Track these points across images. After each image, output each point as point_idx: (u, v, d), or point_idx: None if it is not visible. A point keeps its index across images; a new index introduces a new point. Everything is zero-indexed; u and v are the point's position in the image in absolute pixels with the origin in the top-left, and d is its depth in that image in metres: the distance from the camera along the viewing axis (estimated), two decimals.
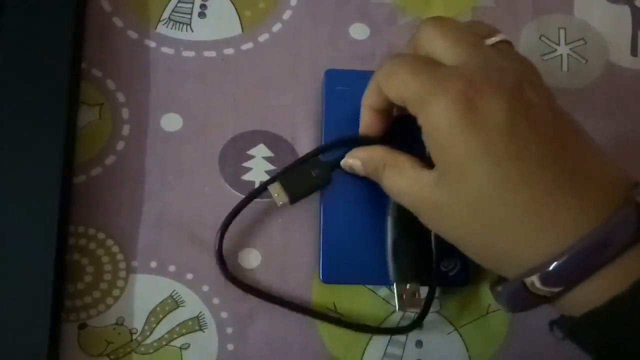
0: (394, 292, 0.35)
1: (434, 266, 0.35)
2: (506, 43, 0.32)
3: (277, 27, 0.41)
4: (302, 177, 0.36)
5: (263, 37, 0.41)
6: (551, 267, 0.26)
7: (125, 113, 0.39)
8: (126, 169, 0.38)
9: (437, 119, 0.28)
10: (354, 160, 0.35)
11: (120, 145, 0.38)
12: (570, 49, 0.42)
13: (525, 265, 0.27)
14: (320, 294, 0.37)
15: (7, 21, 0.37)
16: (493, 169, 0.27)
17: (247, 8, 0.41)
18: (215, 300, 0.36)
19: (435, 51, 0.30)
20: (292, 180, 0.35)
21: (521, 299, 0.28)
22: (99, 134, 0.38)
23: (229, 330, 0.36)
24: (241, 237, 0.37)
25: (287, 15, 0.41)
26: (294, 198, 0.36)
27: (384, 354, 0.37)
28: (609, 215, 0.26)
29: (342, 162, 0.36)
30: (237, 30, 0.41)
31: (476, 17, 0.42)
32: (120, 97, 0.39)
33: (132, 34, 0.40)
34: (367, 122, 0.35)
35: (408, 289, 0.35)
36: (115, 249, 0.37)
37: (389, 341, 0.37)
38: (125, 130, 0.38)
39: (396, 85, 0.31)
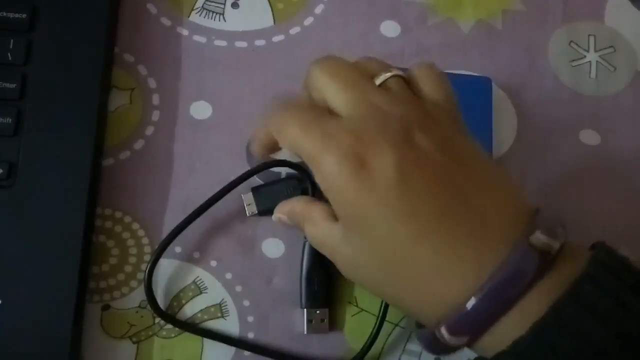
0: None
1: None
2: (397, 79, 0.30)
3: (308, 20, 0.41)
4: (274, 192, 0.37)
5: (294, 30, 0.41)
6: (455, 320, 0.26)
7: (155, 99, 0.39)
8: (154, 154, 0.38)
9: (331, 178, 0.27)
10: (281, 215, 0.35)
11: (149, 131, 0.38)
12: (599, 56, 0.42)
13: (433, 317, 0.27)
14: (340, 290, 0.37)
15: (44, 4, 0.37)
16: (390, 227, 0.26)
17: (279, 0, 0.41)
18: (238, 288, 0.37)
19: (327, 96, 0.29)
20: (264, 194, 0.37)
21: (437, 346, 0.27)
22: (129, 118, 0.38)
23: (250, 318, 0.36)
24: (265, 226, 0.37)
25: (319, 9, 0.41)
26: (262, 211, 0.37)
27: (403, 350, 0.37)
28: (501, 261, 0.25)
29: (273, 218, 0.35)
30: (269, 22, 0.41)
31: (506, 21, 0.43)
32: (152, 83, 0.39)
33: (166, 21, 0.40)
34: (261, 155, 0.33)
35: (317, 314, 0.36)
36: (141, 232, 0.37)
37: (408, 337, 0.37)
38: (155, 115, 0.39)
39: (288, 141, 0.29)
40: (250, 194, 0.37)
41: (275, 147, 0.32)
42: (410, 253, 0.26)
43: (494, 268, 0.25)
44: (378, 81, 0.29)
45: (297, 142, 0.28)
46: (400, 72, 0.30)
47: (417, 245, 0.26)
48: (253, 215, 0.37)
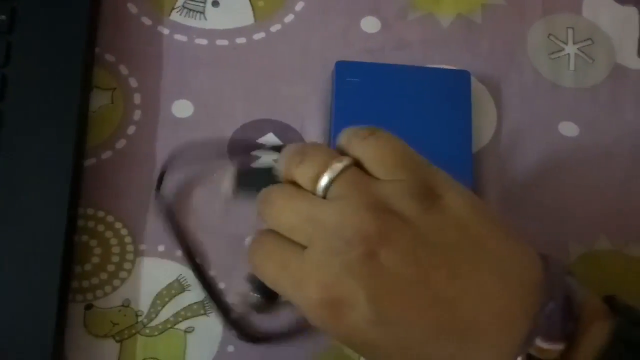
0: None
1: None
2: (343, 175, 0.26)
3: (289, 18, 0.41)
4: (257, 179, 0.31)
5: (275, 28, 0.41)
6: None
7: (137, 98, 0.39)
8: (136, 154, 0.38)
9: (313, 319, 0.26)
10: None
11: (131, 130, 0.38)
12: (577, 48, 0.43)
13: None
14: None
15: (24, 5, 0.37)
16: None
17: None
18: (221, 285, 0.37)
19: (280, 230, 0.27)
20: (247, 178, 0.31)
21: None
22: (111, 118, 0.39)
23: (233, 314, 0.36)
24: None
25: (299, 6, 0.42)
26: (237, 192, 0.31)
27: None
28: None
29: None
30: (249, 20, 0.41)
31: (485, 15, 0.43)
32: (133, 83, 0.39)
33: (146, 21, 0.40)
34: None
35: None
36: (123, 231, 0.37)
37: None
38: (137, 115, 0.39)
39: (267, 281, 0.28)
40: (232, 170, 0.31)
41: None
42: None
43: None
44: (319, 192, 0.26)
45: (274, 285, 0.27)
46: (345, 163, 0.26)
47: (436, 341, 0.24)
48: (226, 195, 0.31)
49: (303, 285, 0.25)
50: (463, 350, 0.24)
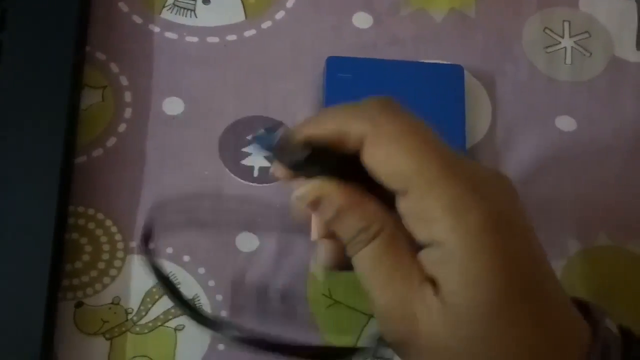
0: None
1: None
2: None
3: (280, 14, 0.41)
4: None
5: (266, 25, 0.41)
6: None
7: (127, 96, 0.39)
8: (127, 151, 0.38)
9: (470, 248, 0.22)
10: (326, 203, 0.25)
11: (121, 128, 0.38)
12: (574, 42, 0.42)
13: None
14: (314, 283, 0.37)
15: (13, 4, 0.37)
16: (514, 313, 0.23)
17: None
18: (211, 283, 0.36)
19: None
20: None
21: None
22: (102, 116, 0.39)
23: (224, 313, 0.36)
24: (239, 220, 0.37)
25: (290, 3, 0.41)
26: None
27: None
28: None
29: (297, 195, 0.26)
30: (240, 17, 0.41)
31: (479, 8, 0.42)
32: (124, 81, 0.39)
33: (137, 19, 0.40)
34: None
35: None
36: (114, 229, 0.37)
37: None
38: (127, 113, 0.39)
39: (401, 166, 0.23)
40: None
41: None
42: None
43: None
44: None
45: (420, 177, 0.23)
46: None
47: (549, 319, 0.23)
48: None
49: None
50: None
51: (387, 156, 0.23)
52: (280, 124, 0.28)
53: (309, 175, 0.25)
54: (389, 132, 0.23)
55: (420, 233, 0.23)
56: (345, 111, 0.25)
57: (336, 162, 0.25)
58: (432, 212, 0.22)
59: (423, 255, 0.23)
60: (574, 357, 0.23)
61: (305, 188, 0.25)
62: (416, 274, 0.23)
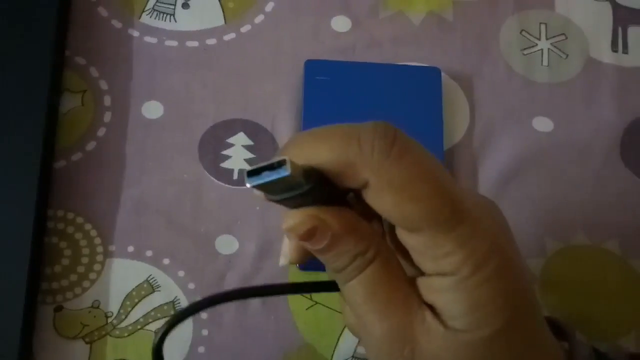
0: None
1: None
2: None
3: (259, 18, 0.41)
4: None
5: (245, 28, 0.41)
6: None
7: (107, 100, 0.39)
8: (106, 155, 0.38)
9: (480, 271, 0.22)
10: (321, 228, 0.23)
11: (101, 132, 0.39)
12: (551, 44, 0.43)
13: None
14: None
15: None
16: (510, 335, 0.23)
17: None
18: (191, 286, 0.37)
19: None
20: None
21: None
22: (81, 120, 0.39)
23: (204, 315, 0.36)
24: (219, 223, 0.37)
25: (269, 7, 0.42)
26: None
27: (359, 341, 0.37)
28: None
29: (288, 223, 0.23)
30: (219, 21, 0.41)
31: (457, 11, 0.43)
32: (103, 85, 0.39)
33: (116, 24, 0.41)
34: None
35: None
36: (93, 233, 0.37)
37: None
38: (107, 117, 0.39)
39: (412, 211, 0.22)
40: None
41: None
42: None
43: None
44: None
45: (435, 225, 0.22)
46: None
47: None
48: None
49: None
50: None
51: (394, 204, 0.22)
52: (276, 164, 0.21)
53: (298, 204, 0.23)
54: (395, 182, 0.22)
55: (427, 265, 0.23)
56: (343, 143, 0.22)
57: (328, 189, 0.23)
58: (444, 248, 0.22)
59: (422, 282, 0.23)
60: None
61: (298, 218, 0.22)
62: (414, 297, 0.23)
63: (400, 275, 0.24)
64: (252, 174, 0.21)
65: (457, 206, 0.22)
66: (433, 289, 0.23)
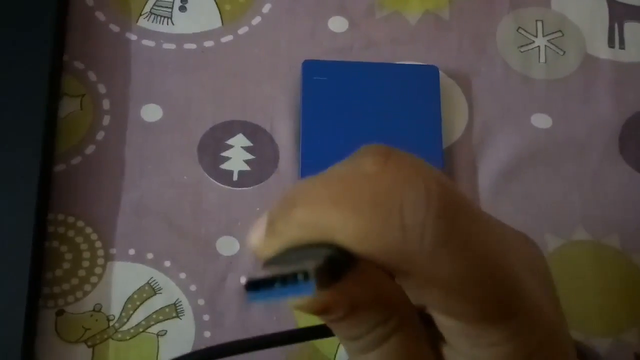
0: None
1: None
2: None
3: (256, 20, 0.42)
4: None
5: (243, 30, 0.41)
6: None
7: (106, 104, 0.39)
8: (106, 159, 0.38)
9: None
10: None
11: (100, 135, 0.39)
12: (547, 40, 0.43)
13: None
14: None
15: None
16: None
17: (227, 2, 0.42)
18: (193, 288, 0.37)
19: None
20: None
21: None
22: (80, 124, 0.39)
23: (206, 317, 0.36)
24: (219, 224, 0.37)
25: (266, 8, 0.42)
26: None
27: None
28: None
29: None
30: (217, 23, 0.41)
31: (453, 10, 0.43)
32: (101, 89, 0.39)
33: (114, 28, 0.41)
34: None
35: None
36: (93, 236, 0.37)
37: None
38: (106, 120, 0.39)
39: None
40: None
41: None
42: None
43: None
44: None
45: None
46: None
47: None
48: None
49: None
50: None
51: (441, 300, 0.17)
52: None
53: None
54: (450, 279, 0.17)
55: (463, 347, 0.19)
56: (378, 220, 0.16)
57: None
58: (489, 338, 0.18)
59: (448, 352, 0.19)
60: None
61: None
62: None
63: (424, 342, 0.19)
64: (254, 285, 0.15)
65: (514, 299, 0.18)
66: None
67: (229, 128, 0.39)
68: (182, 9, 0.41)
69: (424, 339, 0.19)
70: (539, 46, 0.42)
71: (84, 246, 0.37)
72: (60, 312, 0.36)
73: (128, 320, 0.36)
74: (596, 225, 0.39)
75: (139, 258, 0.37)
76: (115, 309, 0.36)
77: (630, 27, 0.43)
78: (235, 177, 0.38)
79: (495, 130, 0.40)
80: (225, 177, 0.38)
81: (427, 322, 0.19)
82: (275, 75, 0.40)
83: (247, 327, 0.36)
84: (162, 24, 0.41)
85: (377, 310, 0.18)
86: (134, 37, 0.40)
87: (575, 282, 0.38)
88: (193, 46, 0.41)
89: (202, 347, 0.35)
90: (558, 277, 0.37)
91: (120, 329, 0.36)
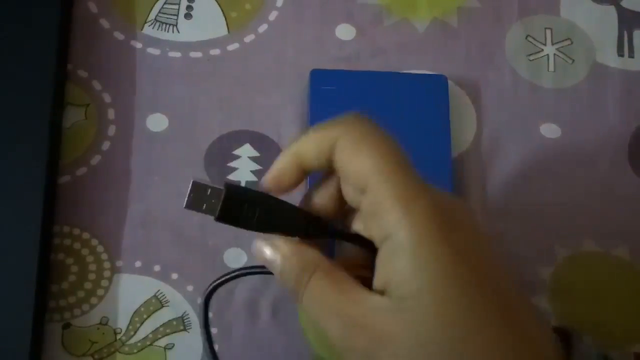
0: None
1: None
2: None
3: (262, 27, 0.41)
4: (255, 208, 0.27)
5: (249, 38, 0.41)
6: None
7: (111, 113, 0.39)
8: (111, 169, 0.38)
9: (417, 233, 0.23)
10: (272, 252, 0.27)
11: (105, 146, 0.38)
12: (556, 49, 0.42)
13: None
14: None
15: None
16: (472, 305, 0.23)
17: (233, 9, 0.41)
18: (200, 300, 0.36)
19: None
20: (240, 202, 0.27)
21: None
22: (85, 134, 0.38)
23: (214, 330, 0.36)
24: (226, 236, 0.37)
25: (272, 16, 0.41)
26: (221, 218, 0.27)
27: None
28: None
29: (254, 248, 0.28)
30: (223, 31, 0.41)
31: (461, 18, 0.42)
32: (106, 98, 0.39)
33: (119, 35, 0.40)
34: (283, 171, 0.27)
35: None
36: (100, 248, 0.36)
37: None
38: (111, 130, 0.38)
39: (364, 165, 0.24)
40: (216, 189, 0.26)
41: (318, 165, 0.26)
42: (499, 323, 0.23)
43: None
44: None
45: (379, 175, 0.24)
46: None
47: (480, 332, 0.23)
48: (197, 211, 0.27)
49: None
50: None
51: (350, 156, 0.25)
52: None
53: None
54: (354, 137, 0.25)
55: (375, 230, 0.24)
56: (324, 124, 0.27)
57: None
58: (383, 205, 0.24)
59: (377, 260, 0.25)
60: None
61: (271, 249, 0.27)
62: (364, 291, 0.25)
63: (348, 279, 0.25)
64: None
65: (399, 164, 0.24)
66: (383, 261, 0.24)
67: (236, 138, 0.39)
68: (188, 16, 0.41)
69: (342, 275, 0.25)
70: (547, 54, 0.42)
71: (90, 258, 0.36)
72: (66, 326, 0.35)
73: (135, 333, 0.36)
74: (605, 236, 0.39)
75: (146, 270, 0.36)
76: (122, 322, 0.36)
77: (639, 36, 0.43)
78: None
79: (504, 140, 0.40)
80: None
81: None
82: (282, 83, 0.40)
83: (255, 339, 0.36)
84: (168, 31, 0.40)
85: (297, 260, 0.26)
86: (139, 45, 0.40)
87: (585, 293, 0.38)
88: (199, 54, 0.40)
89: None
90: (566, 288, 0.38)
91: (128, 342, 0.35)
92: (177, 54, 0.40)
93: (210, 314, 0.36)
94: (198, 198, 0.27)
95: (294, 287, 0.26)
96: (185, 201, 0.27)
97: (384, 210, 0.24)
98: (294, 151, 0.27)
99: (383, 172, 0.24)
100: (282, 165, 0.27)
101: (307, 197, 0.28)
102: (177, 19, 0.41)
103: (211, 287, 0.30)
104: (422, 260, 0.23)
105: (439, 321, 0.23)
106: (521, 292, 0.25)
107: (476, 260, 0.24)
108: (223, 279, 0.30)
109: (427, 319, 0.23)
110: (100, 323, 0.36)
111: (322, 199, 0.27)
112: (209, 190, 0.27)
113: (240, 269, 0.30)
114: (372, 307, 0.24)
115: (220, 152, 0.38)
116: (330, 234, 0.27)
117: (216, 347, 0.35)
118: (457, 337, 0.23)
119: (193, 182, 0.27)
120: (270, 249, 0.27)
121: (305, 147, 0.26)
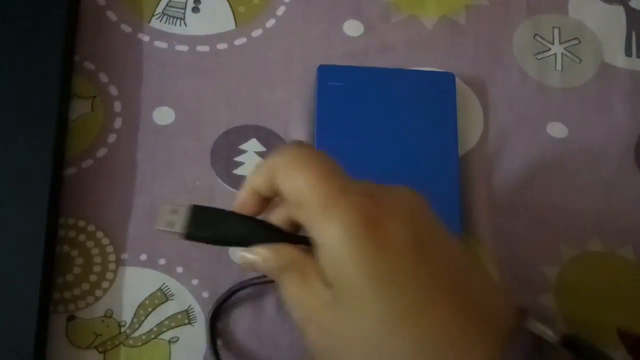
0: None
1: None
2: None
3: (270, 22, 0.41)
4: (223, 223, 0.29)
5: (256, 33, 0.41)
6: None
7: (117, 106, 0.39)
8: (117, 162, 0.38)
9: (337, 233, 0.25)
10: (252, 255, 0.29)
11: (111, 138, 0.38)
12: (564, 48, 0.42)
13: None
14: None
15: (0, 15, 0.37)
16: (395, 296, 0.25)
17: (241, 3, 0.41)
18: (205, 294, 0.36)
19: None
20: (208, 220, 0.29)
21: None
22: (91, 126, 0.38)
23: (219, 324, 0.36)
24: None
25: (280, 11, 0.41)
26: (191, 235, 0.29)
27: None
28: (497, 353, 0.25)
29: (237, 258, 0.29)
30: (230, 25, 0.41)
31: (469, 16, 0.42)
32: (113, 90, 0.39)
33: (126, 28, 0.40)
34: (244, 202, 0.29)
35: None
36: (105, 241, 0.36)
37: None
38: (117, 123, 0.38)
39: (296, 183, 0.27)
40: (184, 209, 0.29)
41: (269, 192, 0.28)
42: (424, 316, 0.25)
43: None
44: None
45: (309, 187, 0.26)
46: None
47: (434, 307, 0.25)
48: (173, 234, 0.29)
49: (350, 193, 0.27)
50: (469, 321, 0.26)
51: (286, 178, 0.27)
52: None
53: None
54: (288, 161, 0.27)
55: (314, 237, 0.26)
56: (268, 156, 0.29)
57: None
58: (315, 215, 0.26)
59: (319, 261, 0.26)
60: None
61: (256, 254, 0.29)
62: (321, 286, 0.27)
63: (313, 274, 0.27)
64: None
65: (329, 182, 0.26)
66: (322, 262, 0.26)
67: (242, 133, 0.39)
68: (195, 10, 0.41)
69: (313, 271, 0.27)
70: (555, 53, 0.42)
71: (95, 251, 0.36)
72: (71, 318, 0.35)
73: (140, 326, 0.36)
74: (611, 236, 0.39)
75: (151, 263, 0.36)
76: (126, 315, 0.36)
77: None
78: None
79: (511, 139, 0.40)
80: (238, 182, 0.38)
81: None
82: (290, 79, 0.40)
83: (259, 334, 0.36)
84: (175, 25, 0.40)
85: (275, 258, 0.28)
86: (146, 38, 0.40)
87: (590, 293, 0.38)
88: (206, 48, 0.40)
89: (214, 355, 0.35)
90: (572, 288, 0.37)
91: (132, 335, 0.35)
92: (184, 48, 0.40)
93: None
94: (167, 220, 0.29)
95: (276, 279, 0.28)
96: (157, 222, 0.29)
97: (316, 219, 0.26)
98: (249, 184, 0.29)
99: (312, 186, 0.26)
100: (243, 196, 0.29)
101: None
102: (184, 13, 0.41)
103: (215, 305, 0.33)
104: (341, 260, 0.25)
105: (362, 319, 0.25)
106: (472, 265, 0.28)
107: (404, 247, 0.25)
108: (225, 296, 0.34)
109: (354, 314, 0.25)
110: (104, 315, 0.36)
111: (278, 222, 0.29)
112: (177, 210, 0.29)
113: (241, 282, 0.34)
114: (321, 299, 0.26)
115: (227, 146, 0.38)
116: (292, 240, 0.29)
117: (220, 342, 0.36)
118: (383, 330, 0.25)
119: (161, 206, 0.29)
120: (249, 253, 0.29)
121: (256, 179, 0.29)
